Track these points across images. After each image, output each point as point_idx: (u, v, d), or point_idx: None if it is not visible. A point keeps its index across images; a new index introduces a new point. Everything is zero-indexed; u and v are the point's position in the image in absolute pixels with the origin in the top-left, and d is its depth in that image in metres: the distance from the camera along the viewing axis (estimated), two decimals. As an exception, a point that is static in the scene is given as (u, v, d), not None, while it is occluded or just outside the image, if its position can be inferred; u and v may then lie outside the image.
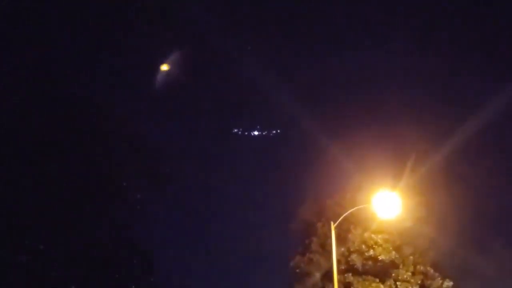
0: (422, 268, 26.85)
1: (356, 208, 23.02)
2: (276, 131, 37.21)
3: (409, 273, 26.45)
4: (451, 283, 26.64)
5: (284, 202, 33.07)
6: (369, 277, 26.24)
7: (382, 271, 26.48)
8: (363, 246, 26.74)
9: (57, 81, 21.84)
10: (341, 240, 25.73)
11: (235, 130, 36.83)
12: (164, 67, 29.99)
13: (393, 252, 26.57)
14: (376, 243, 26.66)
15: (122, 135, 23.64)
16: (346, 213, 22.11)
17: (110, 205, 23.25)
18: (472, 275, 27.21)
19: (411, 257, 26.89)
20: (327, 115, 35.39)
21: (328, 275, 25.50)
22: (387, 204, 21.56)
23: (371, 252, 26.53)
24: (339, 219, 21.75)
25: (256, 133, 36.93)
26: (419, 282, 26.49)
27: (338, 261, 23.09)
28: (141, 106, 28.35)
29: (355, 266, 26.61)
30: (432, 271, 26.85)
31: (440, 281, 26.63)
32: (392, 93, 33.98)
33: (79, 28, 22.97)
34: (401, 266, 26.55)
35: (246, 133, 36.91)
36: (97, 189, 22.34)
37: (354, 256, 26.63)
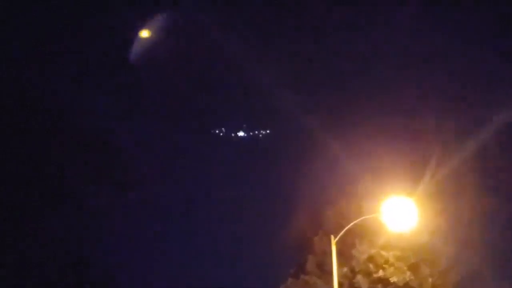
0: (443, 292, 26.93)
1: (362, 218, 22.15)
2: (266, 131, 37.15)
3: (428, 298, 26.45)
4: (476, 310, 27.15)
5: (274, 212, 32.13)
6: (379, 304, 26.21)
7: (395, 296, 26.51)
8: (371, 266, 26.29)
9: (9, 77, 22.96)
10: (343, 258, 25.20)
11: (216, 131, 36.91)
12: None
13: (408, 273, 26.06)
14: (386, 261, 26.18)
15: (77, 131, 24.46)
16: (350, 225, 21.19)
17: (56, 215, 23.84)
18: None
19: (430, 279, 26.43)
20: (327, 108, 34.59)
21: (327, 302, 25.03)
22: (400, 214, 20.59)
23: (381, 273, 26.03)
24: (341, 232, 20.89)
25: (241, 133, 36.86)
26: (440, 309, 26.74)
27: (340, 284, 22.56)
28: (105, 100, 29.68)
29: (361, 291, 26.36)
30: (455, 295, 27.19)
31: (464, 308, 27.07)
32: (406, 81, 32.87)
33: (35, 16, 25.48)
34: (417, 290, 26.46)
35: (229, 134, 37.00)
36: (40, 195, 22.98)
37: (359, 278, 26.22)
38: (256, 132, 36.79)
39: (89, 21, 29.50)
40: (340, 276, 22.95)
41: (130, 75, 31.25)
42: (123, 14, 30.75)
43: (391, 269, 25.79)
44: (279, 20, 36.12)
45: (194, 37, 32.81)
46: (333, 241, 20.65)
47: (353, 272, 26.28)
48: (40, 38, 26.53)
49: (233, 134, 36.79)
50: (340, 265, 22.84)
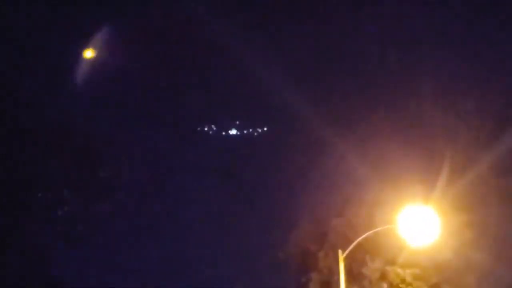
0: (469, 316, 26.05)
1: (374, 230, 20.72)
2: (262, 129, 36.19)
3: (452, 324, 26.18)
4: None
5: (272, 223, 30.52)
6: (395, 331, 26.27)
7: (413, 321, 26.29)
8: (385, 286, 25.88)
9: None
10: (353, 276, 25.05)
11: (205, 128, 35.60)
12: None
13: (429, 294, 25.87)
14: (403, 281, 25.55)
15: (50, 130, 23.90)
16: (360, 238, 19.68)
17: (24, 224, 23.14)
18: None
19: (455, 301, 26.07)
20: (332, 104, 32.90)
21: (334, 328, 24.74)
22: (419, 225, 19.23)
23: (397, 294, 25.95)
24: (350, 247, 19.46)
25: (234, 132, 35.82)
26: (466, 336, 26.07)
27: (349, 308, 22.28)
28: (80, 98, 29.13)
29: (374, 315, 26.31)
30: (484, 320, 26.13)
31: (496, 335, 26.06)
32: (424, 72, 30.75)
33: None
34: (440, 314, 26.35)
35: (220, 132, 35.88)
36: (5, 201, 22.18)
37: (372, 300, 26.00)
38: (251, 130, 35.96)
39: (74, 15, 29.29)
40: (349, 298, 22.00)
41: (109, 71, 30.74)
42: (107, 7, 30.77)
43: (409, 290, 25.60)
44: (276, 8, 35.16)
45: (180, 29, 32.18)
46: (341, 257, 19.27)
47: (364, 293, 25.37)
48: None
49: (224, 133, 35.95)
50: (349, 284, 21.42)
